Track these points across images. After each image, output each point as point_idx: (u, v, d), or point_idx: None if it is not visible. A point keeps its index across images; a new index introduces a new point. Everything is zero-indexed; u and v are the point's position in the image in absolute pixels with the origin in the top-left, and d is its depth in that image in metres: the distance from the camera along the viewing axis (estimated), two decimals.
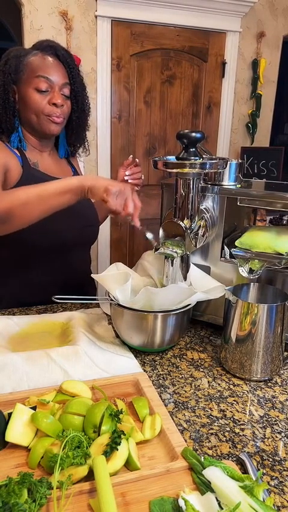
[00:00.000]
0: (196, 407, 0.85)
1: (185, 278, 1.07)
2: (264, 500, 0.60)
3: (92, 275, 1.05)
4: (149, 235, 1.06)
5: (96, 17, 2.64)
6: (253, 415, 0.84)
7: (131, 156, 1.41)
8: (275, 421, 0.82)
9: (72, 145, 1.38)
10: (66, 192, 0.99)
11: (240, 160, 1.12)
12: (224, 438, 0.77)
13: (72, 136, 1.35)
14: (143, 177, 1.39)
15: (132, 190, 1.00)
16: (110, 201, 0.95)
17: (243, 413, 0.84)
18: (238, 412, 0.84)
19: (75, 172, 1.42)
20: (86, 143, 1.41)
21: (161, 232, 1.06)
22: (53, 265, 1.31)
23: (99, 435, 0.70)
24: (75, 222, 1.30)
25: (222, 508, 0.59)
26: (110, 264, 1.14)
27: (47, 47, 1.20)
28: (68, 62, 1.22)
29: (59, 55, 1.20)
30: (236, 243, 1.08)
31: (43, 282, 1.30)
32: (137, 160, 1.38)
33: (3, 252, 1.27)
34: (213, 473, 0.62)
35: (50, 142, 1.33)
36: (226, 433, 0.78)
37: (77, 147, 1.40)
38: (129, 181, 1.35)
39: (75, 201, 1.01)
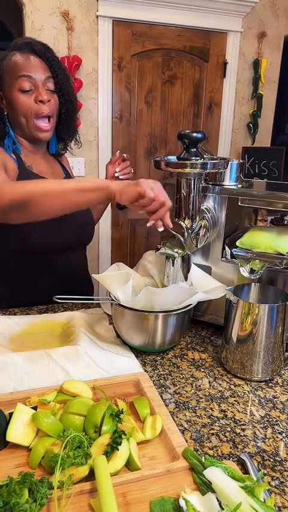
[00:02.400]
0: (197, 408, 0.85)
1: (186, 278, 1.07)
2: (265, 501, 0.60)
3: (93, 275, 1.05)
4: (181, 238, 1.02)
5: (97, 17, 2.64)
6: (254, 415, 0.84)
7: (118, 151, 1.39)
8: (276, 421, 0.82)
9: (63, 140, 1.36)
10: (90, 191, 0.95)
11: (241, 161, 1.12)
12: (225, 438, 0.77)
13: (63, 130, 1.32)
14: (132, 171, 1.38)
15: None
16: (146, 191, 0.89)
17: (244, 413, 0.84)
18: (239, 412, 0.84)
19: (67, 174, 1.42)
20: (77, 135, 1.39)
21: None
22: (51, 265, 1.31)
23: (100, 435, 0.70)
24: (72, 222, 1.30)
25: (223, 509, 0.58)
26: (111, 264, 1.14)
27: (23, 45, 1.18)
28: (47, 56, 1.20)
29: (36, 50, 1.18)
30: (237, 243, 1.08)
31: (42, 282, 1.30)
32: (124, 155, 1.35)
33: (2, 253, 1.27)
34: (214, 474, 0.62)
35: (43, 144, 1.32)
36: (227, 434, 0.78)
37: (68, 142, 1.38)
38: (120, 177, 1.34)
39: (98, 202, 0.97)
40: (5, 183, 1.03)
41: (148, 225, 0.96)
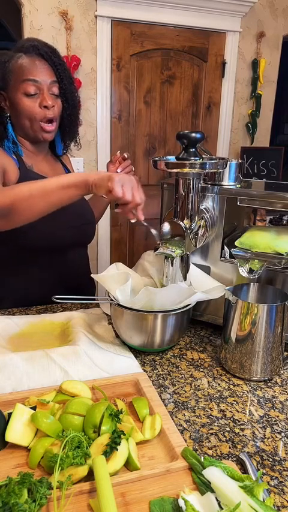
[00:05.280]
0: (196, 407, 0.85)
1: (184, 278, 1.07)
2: (264, 500, 0.60)
3: (92, 275, 1.05)
4: (154, 232, 1.04)
5: (96, 17, 2.64)
6: (253, 415, 0.84)
7: (119, 151, 1.40)
8: (275, 421, 0.82)
9: (64, 142, 1.38)
10: (70, 187, 0.97)
11: (240, 161, 1.13)
12: (224, 438, 0.77)
13: (65, 133, 1.34)
14: (133, 169, 1.38)
15: (137, 181, 0.98)
16: (115, 189, 0.91)
17: (243, 413, 0.84)
18: (238, 412, 0.84)
19: (68, 172, 1.42)
20: (77, 137, 1.40)
21: (166, 227, 1.04)
22: (52, 264, 1.31)
23: (99, 435, 0.70)
24: (73, 221, 1.30)
25: (222, 508, 0.59)
26: (110, 264, 1.14)
27: (30, 48, 1.18)
28: (53, 60, 1.20)
29: (43, 54, 1.18)
30: (236, 243, 1.08)
31: (42, 281, 1.30)
32: (125, 154, 1.37)
33: (2, 252, 1.27)
34: (213, 473, 0.62)
35: (45, 145, 1.33)
36: (226, 433, 0.78)
37: (69, 144, 1.40)
38: None
39: (79, 197, 1.00)
40: None
41: (115, 210, 0.99)
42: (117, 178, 0.93)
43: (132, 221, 1.00)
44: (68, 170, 1.43)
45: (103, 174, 0.97)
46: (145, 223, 1.01)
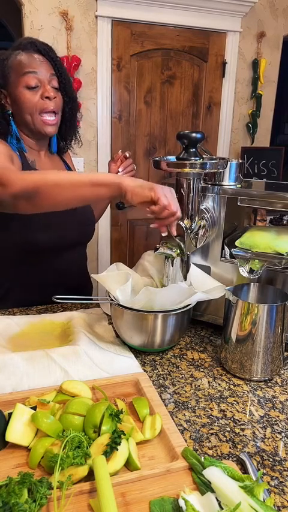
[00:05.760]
0: (196, 408, 0.85)
1: (185, 278, 1.07)
2: (264, 501, 0.60)
3: (92, 275, 1.05)
4: (181, 243, 1.02)
5: (96, 17, 2.64)
6: (253, 415, 0.84)
7: (120, 150, 1.40)
8: (275, 421, 0.82)
9: (64, 139, 1.37)
10: (101, 185, 0.94)
11: (240, 161, 1.12)
12: (224, 438, 0.77)
13: (66, 129, 1.34)
14: (135, 168, 1.38)
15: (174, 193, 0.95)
16: (161, 198, 0.88)
17: (244, 413, 0.84)
18: (238, 412, 0.84)
19: (69, 169, 1.42)
20: (78, 134, 1.40)
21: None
22: (52, 264, 1.31)
23: (99, 435, 0.70)
24: (73, 221, 1.30)
25: (222, 508, 0.58)
26: (110, 264, 1.14)
27: (28, 45, 1.19)
28: (51, 55, 1.21)
29: (41, 50, 1.20)
30: (236, 243, 1.08)
31: (42, 281, 1.30)
32: (126, 153, 1.36)
33: (2, 252, 1.27)
34: (214, 474, 0.62)
35: (46, 141, 1.33)
36: (226, 433, 0.78)
37: (69, 141, 1.39)
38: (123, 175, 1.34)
39: (107, 198, 0.98)
40: (16, 172, 1.03)
41: (152, 226, 0.97)
42: (160, 187, 0.90)
43: (164, 234, 0.97)
44: (69, 168, 1.43)
45: (142, 181, 0.94)
46: (177, 239, 0.99)
